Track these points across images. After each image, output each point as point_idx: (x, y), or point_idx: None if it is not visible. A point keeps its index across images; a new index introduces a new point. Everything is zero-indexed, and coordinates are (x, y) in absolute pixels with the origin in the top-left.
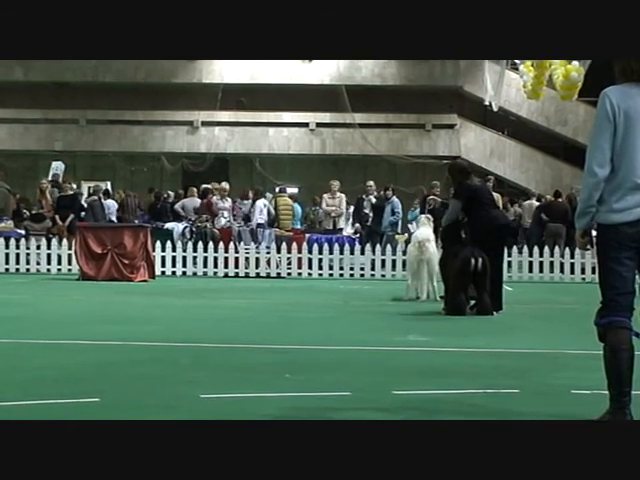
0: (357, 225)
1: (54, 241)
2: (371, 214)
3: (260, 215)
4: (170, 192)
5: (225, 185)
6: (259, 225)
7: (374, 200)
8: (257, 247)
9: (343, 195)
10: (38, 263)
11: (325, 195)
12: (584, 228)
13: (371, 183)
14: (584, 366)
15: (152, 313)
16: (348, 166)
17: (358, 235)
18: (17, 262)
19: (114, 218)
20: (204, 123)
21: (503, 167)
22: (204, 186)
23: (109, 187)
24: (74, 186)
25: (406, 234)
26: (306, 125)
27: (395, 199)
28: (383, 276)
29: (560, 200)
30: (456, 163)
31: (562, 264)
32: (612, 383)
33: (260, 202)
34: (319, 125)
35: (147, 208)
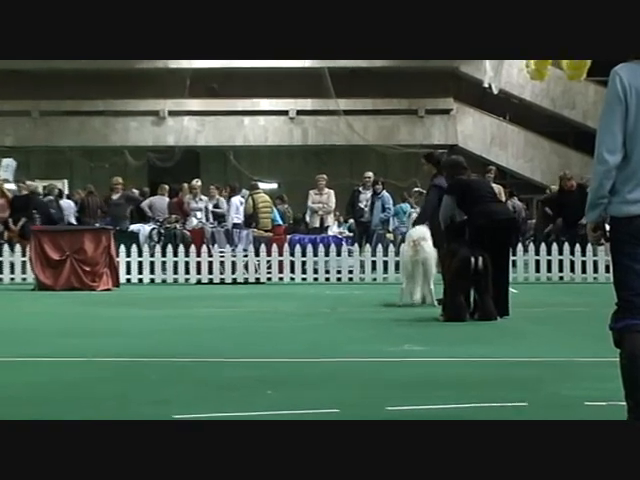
0: (351, 221)
1: (6, 247)
2: (366, 208)
3: (236, 214)
4: (135, 190)
5: (197, 183)
6: (235, 225)
7: (369, 194)
8: (233, 250)
9: (332, 191)
10: None
11: (312, 191)
12: (596, 221)
13: (370, 174)
14: (599, 375)
15: (117, 325)
16: (333, 158)
17: (352, 234)
18: None
19: (73, 220)
20: (171, 113)
21: (505, 156)
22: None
23: (66, 186)
24: (32, 184)
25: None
26: (285, 113)
27: (386, 194)
28: (374, 280)
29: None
30: (449, 158)
31: (572, 262)
32: (630, 393)
33: (236, 199)
34: (300, 113)
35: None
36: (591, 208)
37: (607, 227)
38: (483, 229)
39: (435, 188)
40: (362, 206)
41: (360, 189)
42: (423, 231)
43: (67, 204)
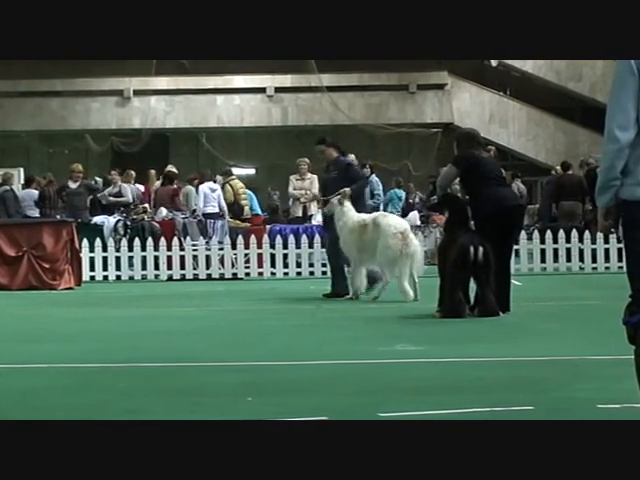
0: None
1: None
2: None
3: (207, 203)
4: (98, 178)
5: (173, 169)
6: (208, 215)
7: None
8: (207, 242)
9: (315, 176)
10: None
11: (292, 176)
12: (607, 206)
13: (352, 156)
14: (611, 375)
15: (81, 328)
16: (316, 139)
17: None
18: None
19: (35, 212)
20: (137, 92)
21: (506, 134)
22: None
23: (21, 174)
24: None
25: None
26: (263, 91)
27: (374, 178)
28: None
29: (571, 172)
30: (464, 129)
31: (581, 251)
32: None
33: (204, 187)
34: (278, 90)
35: None
36: (601, 191)
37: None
38: (490, 216)
39: (354, 167)
40: None
41: None
42: (403, 221)
43: (28, 194)
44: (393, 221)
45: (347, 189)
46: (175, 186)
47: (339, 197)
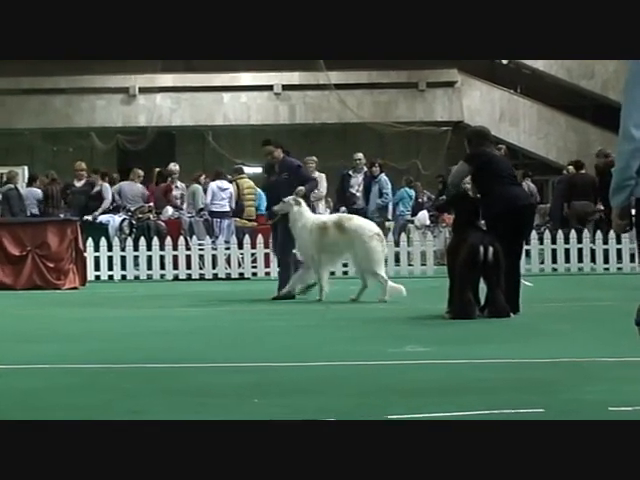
0: (343, 209)
1: None
2: (358, 194)
3: (214, 201)
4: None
5: (175, 167)
6: (215, 214)
7: (361, 177)
8: (213, 242)
9: (323, 175)
10: None
11: None
12: (622, 206)
13: (360, 156)
14: (623, 377)
15: (85, 328)
16: (323, 137)
17: None
18: None
19: (36, 211)
20: (142, 90)
21: (516, 133)
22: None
23: (26, 172)
24: None
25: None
26: (270, 88)
27: (383, 177)
28: None
29: (584, 172)
30: (476, 127)
31: (593, 251)
32: None
33: (214, 184)
34: (286, 88)
35: None
36: (616, 191)
37: (633, 212)
38: (502, 215)
39: (304, 168)
40: (354, 192)
41: (350, 173)
42: (371, 222)
43: (30, 193)
44: (365, 224)
45: (301, 187)
46: (173, 183)
47: (294, 197)
